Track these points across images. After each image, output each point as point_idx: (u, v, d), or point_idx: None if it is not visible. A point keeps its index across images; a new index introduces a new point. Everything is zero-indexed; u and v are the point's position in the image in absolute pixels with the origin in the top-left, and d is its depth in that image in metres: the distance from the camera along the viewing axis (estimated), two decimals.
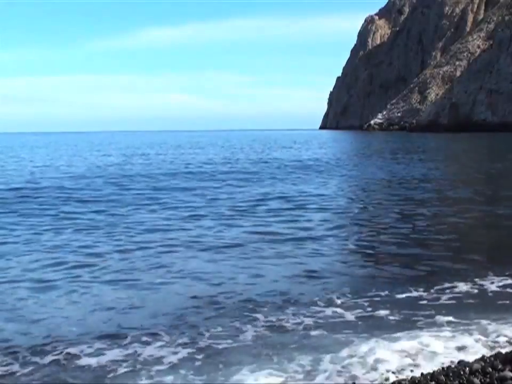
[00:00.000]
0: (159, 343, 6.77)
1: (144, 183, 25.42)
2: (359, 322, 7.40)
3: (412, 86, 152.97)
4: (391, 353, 6.28)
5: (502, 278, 9.19)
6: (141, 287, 9.06)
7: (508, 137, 76.36)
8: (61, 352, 6.54)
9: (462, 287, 8.78)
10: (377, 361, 6.12)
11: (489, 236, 13.35)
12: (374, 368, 5.98)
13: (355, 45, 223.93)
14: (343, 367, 6.05)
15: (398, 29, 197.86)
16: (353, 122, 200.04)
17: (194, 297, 8.48)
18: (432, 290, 8.63)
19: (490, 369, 5.42)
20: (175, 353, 6.51)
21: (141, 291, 8.86)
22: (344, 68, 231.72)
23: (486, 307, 7.78)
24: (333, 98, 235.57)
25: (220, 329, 7.18)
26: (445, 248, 11.65)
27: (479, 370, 5.42)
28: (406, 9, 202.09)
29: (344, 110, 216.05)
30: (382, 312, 7.74)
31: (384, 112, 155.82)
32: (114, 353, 6.50)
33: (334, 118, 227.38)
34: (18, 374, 6.07)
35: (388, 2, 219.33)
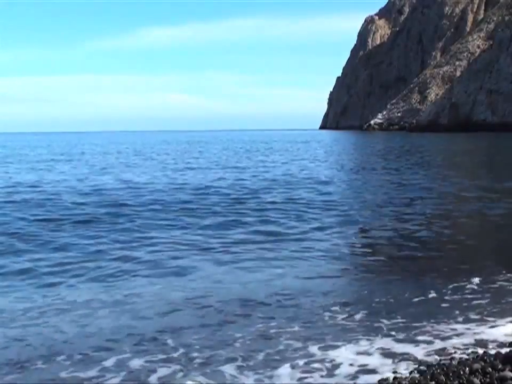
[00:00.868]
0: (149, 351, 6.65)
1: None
2: (363, 324, 7.38)
3: (412, 86, 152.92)
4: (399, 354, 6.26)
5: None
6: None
7: (509, 137, 76.32)
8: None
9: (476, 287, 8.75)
10: (381, 363, 6.11)
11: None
12: (374, 370, 5.97)
13: (355, 45, 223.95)
14: (336, 368, 6.04)
15: (398, 29, 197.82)
16: (353, 122, 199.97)
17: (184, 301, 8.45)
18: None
19: (490, 369, 5.40)
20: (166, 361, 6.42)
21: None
22: (344, 68, 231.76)
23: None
24: (333, 98, 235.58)
25: (208, 334, 7.07)
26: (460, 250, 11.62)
27: (479, 370, 5.41)
28: (406, 9, 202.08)
29: (344, 110, 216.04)
30: (383, 321, 7.71)
31: (384, 112, 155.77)
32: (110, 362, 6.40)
33: (334, 118, 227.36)
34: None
35: (387, 2, 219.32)
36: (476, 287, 8.72)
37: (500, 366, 5.45)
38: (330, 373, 5.92)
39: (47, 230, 13.74)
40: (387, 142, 76.98)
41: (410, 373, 5.68)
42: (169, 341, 6.78)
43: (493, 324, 7.16)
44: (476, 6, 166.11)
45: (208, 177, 26.99)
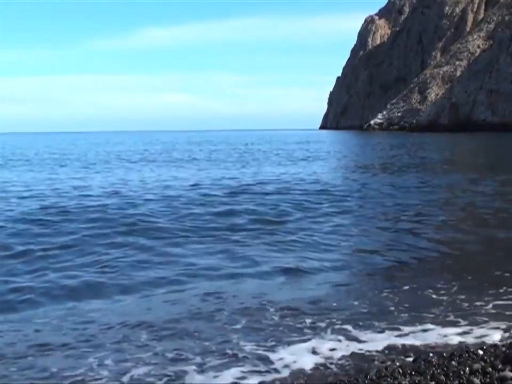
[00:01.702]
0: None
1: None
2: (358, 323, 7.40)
3: (412, 86, 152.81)
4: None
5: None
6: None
7: (509, 137, 76.30)
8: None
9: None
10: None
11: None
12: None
13: (355, 45, 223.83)
14: (336, 369, 6.05)
15: (398, 29, 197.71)
16: (353, 122, 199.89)
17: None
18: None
19: (490, 369, 5.40)
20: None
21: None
22: (344, 68, 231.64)
23: None
24: (333, 98, 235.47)
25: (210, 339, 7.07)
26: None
27: (479, 370, 5.40)
28: (406, 9, 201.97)
29: (344, 110, 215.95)
30: (383, 321, 7.71)
31: (384, 112, 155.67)
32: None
33: (334, 118, 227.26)
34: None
35: (387, 2, 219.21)
36: (475, 287, 8.72)
37: (500, 366, 5.44)
38: (334, 370, 5.94)
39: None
40: (393, 140, 76.86)
41: (410, 373, 5.68)
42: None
43: (493, 324, 7.16)
44: (476, 6, 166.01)
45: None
